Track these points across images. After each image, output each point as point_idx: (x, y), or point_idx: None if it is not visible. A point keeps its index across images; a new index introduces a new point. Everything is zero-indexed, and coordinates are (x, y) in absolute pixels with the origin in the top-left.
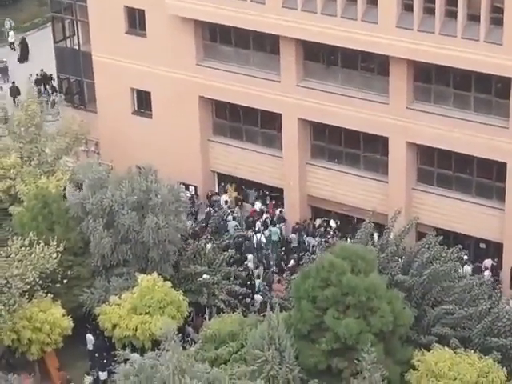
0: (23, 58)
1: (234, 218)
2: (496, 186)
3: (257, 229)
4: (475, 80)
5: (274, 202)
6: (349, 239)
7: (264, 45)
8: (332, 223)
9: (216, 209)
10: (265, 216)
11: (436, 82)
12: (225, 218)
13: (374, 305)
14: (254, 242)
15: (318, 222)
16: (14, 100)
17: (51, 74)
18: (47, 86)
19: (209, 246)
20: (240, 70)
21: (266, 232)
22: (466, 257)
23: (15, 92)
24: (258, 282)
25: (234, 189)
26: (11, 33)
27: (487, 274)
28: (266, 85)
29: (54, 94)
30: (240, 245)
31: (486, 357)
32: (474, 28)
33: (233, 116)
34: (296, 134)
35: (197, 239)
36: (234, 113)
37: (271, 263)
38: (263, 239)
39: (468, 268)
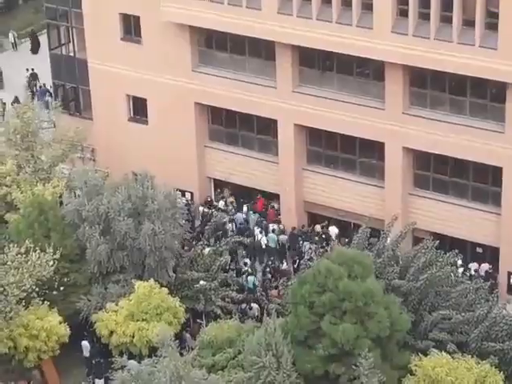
0: (35, 49)
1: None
2: (492, 191)
3: (259, 230)
4: (471, 85)
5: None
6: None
7: (259, 51)
8: (334, 229)
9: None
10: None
11: (432, 88)
12: (225, 220)
13: (371, 310)
14: (260, 241)
15: (317, 227)
16: (34, 85)
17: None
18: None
19: (207, 249)
20: (236, 76)
21: (264, 239)
22: (459, 262)
23: (35, 78)
24: (250, 278)
25: (229, 194)
26: (10, 34)
27: (474, 265)
28: (261, 91)
29: (48, 94)
30: (243, 246)
31: (484, 361)
32: (469, 33)
33: (229, 122)
34: (292, 139)
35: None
36: (230, 119)
37: (267, 269)
38: (264, 240)
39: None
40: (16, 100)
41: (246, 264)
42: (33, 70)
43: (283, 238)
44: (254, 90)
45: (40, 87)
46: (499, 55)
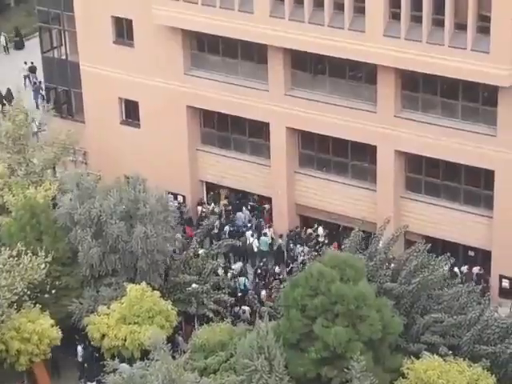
0: (20, 45)
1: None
2: (484, 194)
3: (250, 233)
4: (463, 88)
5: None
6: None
7: (252, 54)
8: (320, 230)
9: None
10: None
11: (423, 91)
12: (216, 225)
13: (363, 313)
14: (251, 243)
15: (308, 231)
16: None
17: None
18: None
19: (201, 251)
20: (228, 79)
21: (256, 242)
22: (446, 267)
23: (34, 71)
24: (241, 279)
25: (224, 197)
26: (1, 37)
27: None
28: (253, 94)
29: (40, 96)
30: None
31: (476, 364)
32: (461, 37)
33: (221, 125)
34: (284, 142)
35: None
36: (222, 122)
37: (259, 271)
38: (256, 243)
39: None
40: (8, 92)
41: (230, 268)
42: (32, 63)
43: (281, 242)
44: (246, 93)
45: (35, 83)
46: (491, 59)
